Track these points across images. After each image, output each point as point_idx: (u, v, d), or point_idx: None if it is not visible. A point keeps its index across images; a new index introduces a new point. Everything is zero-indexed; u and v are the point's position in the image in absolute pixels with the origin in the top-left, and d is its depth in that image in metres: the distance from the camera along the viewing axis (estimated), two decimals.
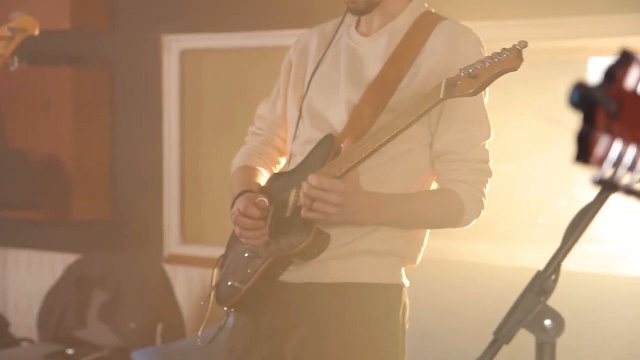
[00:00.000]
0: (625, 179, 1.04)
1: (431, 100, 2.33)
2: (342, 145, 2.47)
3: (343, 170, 2.40)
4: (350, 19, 2.70)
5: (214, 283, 2.72)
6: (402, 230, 2.56)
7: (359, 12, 2.60)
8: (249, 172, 2.79)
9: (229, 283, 2.64)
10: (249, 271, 2.59)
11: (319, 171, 2.45)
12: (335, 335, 2.54)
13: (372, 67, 2.58)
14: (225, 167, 5.42)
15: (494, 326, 1.65)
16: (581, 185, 4.49)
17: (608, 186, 1.03)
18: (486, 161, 2.56)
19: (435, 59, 2.52)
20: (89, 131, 5.52)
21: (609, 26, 4.27)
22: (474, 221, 2.56)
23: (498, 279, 4.07)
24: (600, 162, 1.02)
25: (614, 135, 1.02)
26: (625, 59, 1.02)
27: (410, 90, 2.52)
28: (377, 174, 2.52)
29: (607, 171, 1.02)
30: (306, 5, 4.94)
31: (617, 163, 1.02)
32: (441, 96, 2.30)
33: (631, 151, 1.03)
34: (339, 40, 2.70)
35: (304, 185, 2.40)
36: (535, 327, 1.64)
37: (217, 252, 5.29)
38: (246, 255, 2.60)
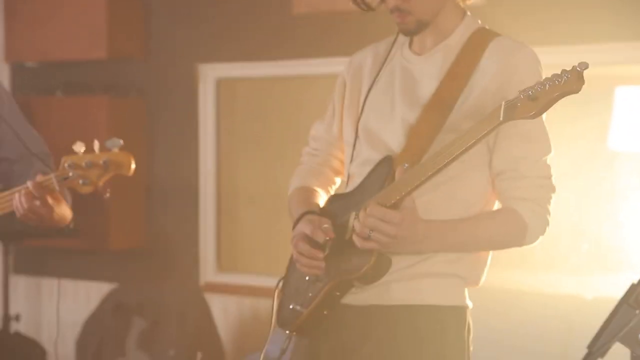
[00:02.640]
0: None
1: (491, 123, 2.29)
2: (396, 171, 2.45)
3: (398, 197, 2.38)
4: (403, 38, 2.67)
5: (275, 306, 2.69)
6: (465, 253, 2.54)
7: (409, 33, 2.58)
8: (307, 192, 2.76)
9: (291, 306, 2.62)
10: (310, 294, 2.57)
11: (376, 198, 2.43)
12: (400, 358, 2.52)
13: (427, 86, 2.55)
14: (261, 195, 5.47)
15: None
16: (623, 212, 4.47)
17: None
18: (548, 177, 2.52)
19: (490, 77, 2.49)
20: None
21: (636, 53, 4.27)
22: (540, 238, 2.53)
23: (542, 307, 4.04)
24: None
25: None
26: None
27: (466, 109, 2.49)
28: (437, 195, 2.49)
29: None
30: (340, 33, 4.95)
31: None
32: (501, 119, 2.27)
33: None
34: (393, 60, 2.66)
35: (362, 215, 2.40)
36: (631, 341, 1.61)
37: (254, 280, 5.37)
38: (307, 278, 2.58)
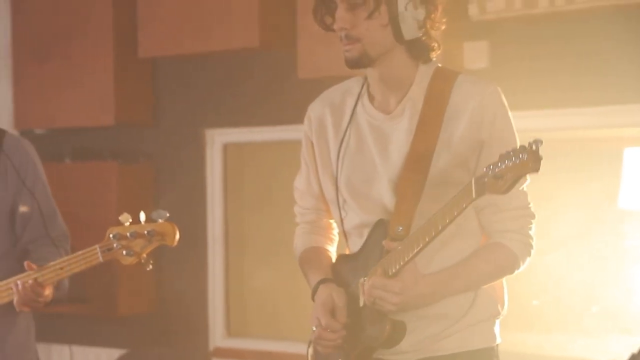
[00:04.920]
0: None
1: (465, 200, 2.37)
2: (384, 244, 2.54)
3: (397, 268, 2.50)
4: (357, 87, 2.70)
5: None
6: (492, 295, 2.65)
7: (352, 62, 2.59)
8: (318, 252, 2.83)
9: None
10: None
11: (377, 268, 2.54)
12: None
13: (403, 144, 2.60)
14: (269, 260, 5.46)
15: None
16: (634, 273, 4.45)
17: None
18: (526, 206, 2.62)
19: (463, 126, 2.56)
20: None
21: None
22: (528, 261, 2.63)
23: None
24: None
25: None
26: None
27: (450, 160, 2.57)
28: (444, 254, 2.60)
29: None
30: None
31: None
32: (474, 196, 2.35)
33: None
34: (356, 114, 2.68)
35: (366, 285, 2.54)
36: None
37: (263, 345, 5.34)
38: None
